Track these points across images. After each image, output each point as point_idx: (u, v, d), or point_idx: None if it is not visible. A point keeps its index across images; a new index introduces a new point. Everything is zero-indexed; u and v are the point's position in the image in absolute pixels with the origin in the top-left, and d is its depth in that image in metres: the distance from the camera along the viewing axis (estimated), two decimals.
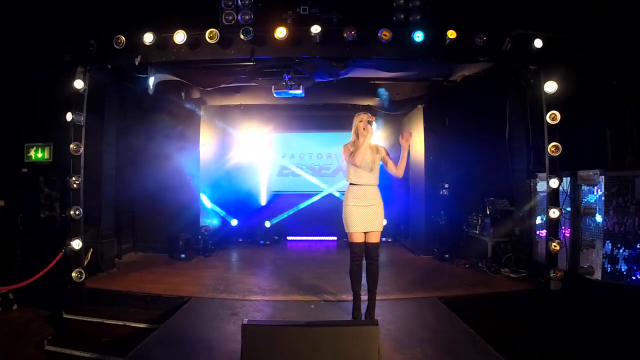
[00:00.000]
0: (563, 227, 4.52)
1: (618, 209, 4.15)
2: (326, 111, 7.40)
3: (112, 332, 3.80)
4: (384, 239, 7.31)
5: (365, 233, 3.40)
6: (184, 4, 4.62)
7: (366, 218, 3.36)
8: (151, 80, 4.62)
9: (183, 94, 5.84)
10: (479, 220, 5.70)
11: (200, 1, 4.56)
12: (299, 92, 4.93)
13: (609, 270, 4.13)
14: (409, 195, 7.02)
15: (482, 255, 5.46)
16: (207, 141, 6.78)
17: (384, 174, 3.58)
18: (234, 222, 7.33)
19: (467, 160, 5.67)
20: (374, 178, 3.45)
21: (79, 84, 4.32)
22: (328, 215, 7.33)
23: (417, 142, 6.47)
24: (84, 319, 3.95)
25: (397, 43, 4.22)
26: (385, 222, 3.52)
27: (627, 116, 4.98)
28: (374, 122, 3.47)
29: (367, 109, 6.54)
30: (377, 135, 7.27)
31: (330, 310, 3.81)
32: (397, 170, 3.46)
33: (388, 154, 3.56)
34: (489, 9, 4.56)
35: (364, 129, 3.40)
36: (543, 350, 3.54)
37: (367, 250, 3.42)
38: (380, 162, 3.53)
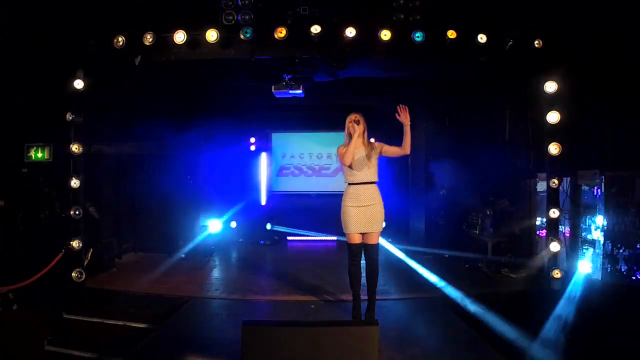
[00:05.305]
0: (563, 227, 4.52)
1: (618, 209, 4.14)
2: (326, 111, 7.38)
3: (112, 332, 3.80)
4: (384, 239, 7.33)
5: (363, 234, 3.37)
6: (184, 4, 4.62)
7: (364, 219, 3.31)
8: None
9: None
10: (479, 220, 5.69)
11: (200, 1, 4.56)
12: (299, 92, 4.93)
13: (609, 270, 4.12)
14: (409, 195, 7.01)
15: (482, 255, 5.46)
16: (206, 141, 6.77)
17: (382, 173, 3.55)
18: (233, 225, 7.31)
19: (467, 160, 5.67)
20: (370, 175, 3.37)
21: (79, 84, 4.32)
22: (328, 215, 7.29)
23: (417, 142, 6.47)
24: (84, 319, 3.95)
25: (397, 43, 4.22)
26: (384, 224, 3.49)
27: (628, 116, 4.97)
28: (362, 121, 3.42)
29: (367, 109, 6.55)
30: (377, 136, 7.26)
31: (330, 310, 3.80)
32: (402, 150, 3.32)
33: (387, 144, 3.44)
34: (489, 9, 4.56)
35: (352, 128, 3.36)
36: (543, 350, 3.53)
37: (366, 251, 3.38)
38: (378, 158, 3.44)
